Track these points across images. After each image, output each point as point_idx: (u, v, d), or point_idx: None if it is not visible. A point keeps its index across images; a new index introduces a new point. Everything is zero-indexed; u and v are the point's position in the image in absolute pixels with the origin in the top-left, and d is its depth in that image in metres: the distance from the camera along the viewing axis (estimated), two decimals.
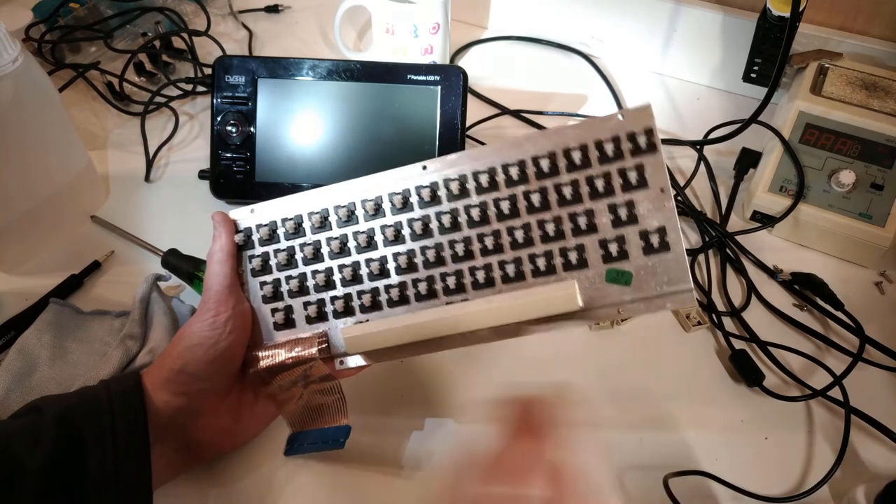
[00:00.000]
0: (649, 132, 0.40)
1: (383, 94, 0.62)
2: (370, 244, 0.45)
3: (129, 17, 0.83)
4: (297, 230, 0.47)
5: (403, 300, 0.44)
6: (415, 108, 0.62)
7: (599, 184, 0.40)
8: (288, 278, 0.47)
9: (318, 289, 0.46)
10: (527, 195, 0.42)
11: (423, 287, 0.44)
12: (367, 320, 0.45)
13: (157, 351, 0.51)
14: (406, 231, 0.45)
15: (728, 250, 0.62)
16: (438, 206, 0.44)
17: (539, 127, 0.76)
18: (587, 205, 0.41)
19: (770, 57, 0.70)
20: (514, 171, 0.42)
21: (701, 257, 0.62)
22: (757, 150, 0.67)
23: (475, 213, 0.43)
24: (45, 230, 0.61)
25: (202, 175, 0.67)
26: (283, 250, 0.47)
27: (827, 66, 0.67)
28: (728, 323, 0.57)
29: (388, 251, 0.45)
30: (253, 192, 0.63)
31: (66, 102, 0.62)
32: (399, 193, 0.44)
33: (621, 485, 0.47)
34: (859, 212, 0.60)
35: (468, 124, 0.70)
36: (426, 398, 0.52)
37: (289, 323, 0.46)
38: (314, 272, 0.46)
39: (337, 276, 0.46)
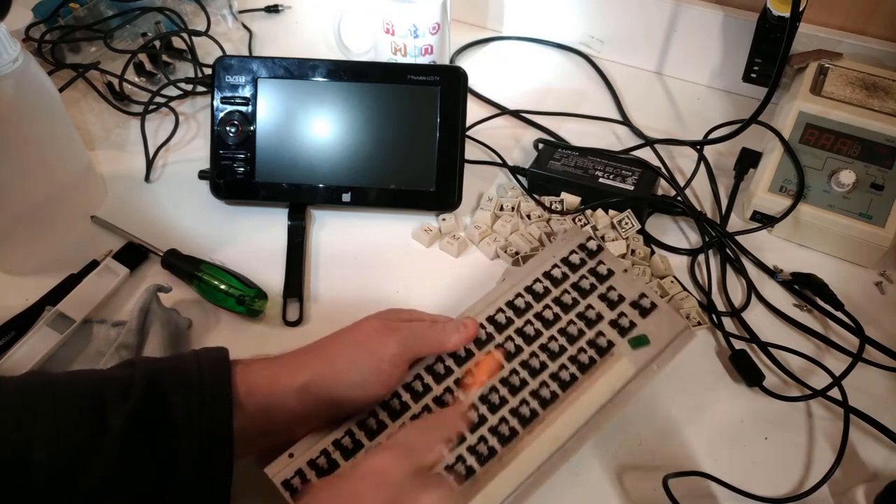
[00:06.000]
0: (589, 239, 0.52)
1: (383, 94, 0.62)
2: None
3: (129, 17, 0.83)
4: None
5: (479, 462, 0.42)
6: (415, 108, 0.62)
7: (585, 283, 0.50)
8: None
9: None
10: (539, 315, 0.48)
11: (504, 429, 0.43)
12: None
13: None
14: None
15: (728, 250, 0.62)
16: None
17: (539, 127, 0.76)
18: (585, 302, 0.49)
19: (770, 57, 0.70)
20: (520, 302, 0.49)
21: (701, 257, 0.62)
22: (757, 150, 0.67)
23: (517, 339, 0.47)
24: (45, 230, 0.61)
25: (202, 175, 0.67)
26: None
27: (827, 66, 0.67)
28: (728, 323, 0.57)
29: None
30: (253, 192, 0.63)
31: (66, 102, 0.61)
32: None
33: (621, 485, 0.47)
34: (859, 212, 0.60)
35: (468, 124, 0.70)
36: None
37: None
38: None
39: None
